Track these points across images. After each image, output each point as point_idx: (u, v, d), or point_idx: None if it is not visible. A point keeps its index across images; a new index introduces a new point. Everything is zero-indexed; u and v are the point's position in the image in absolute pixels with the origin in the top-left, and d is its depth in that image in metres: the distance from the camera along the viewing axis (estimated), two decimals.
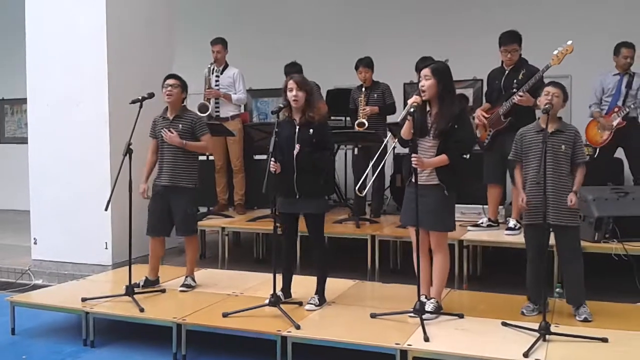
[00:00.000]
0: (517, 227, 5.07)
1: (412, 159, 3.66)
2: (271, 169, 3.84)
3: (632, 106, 5.62)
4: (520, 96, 4.85)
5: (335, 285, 4.49)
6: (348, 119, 7.03)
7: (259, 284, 4.65)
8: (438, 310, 3.82)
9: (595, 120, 5.82)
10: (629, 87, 5.71)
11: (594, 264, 4.11)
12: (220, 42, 6.55)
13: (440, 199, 3.76)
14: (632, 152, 5.80)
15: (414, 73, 4.58)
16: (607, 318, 3.74)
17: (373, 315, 3.81)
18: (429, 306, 3.79)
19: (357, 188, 5.67)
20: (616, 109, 5.68)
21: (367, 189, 5.73)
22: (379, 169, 5.73)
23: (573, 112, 6.11)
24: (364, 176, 5.68)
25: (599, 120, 5.77)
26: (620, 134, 5.67)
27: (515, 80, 5.07)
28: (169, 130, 4.42)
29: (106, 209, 4.26)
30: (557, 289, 4.44)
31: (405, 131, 3.75)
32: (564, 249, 3.87)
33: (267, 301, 3.92)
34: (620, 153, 5.95)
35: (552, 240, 3.92)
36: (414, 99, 3.71)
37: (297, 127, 3.98)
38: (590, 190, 4.55)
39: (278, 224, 4.09)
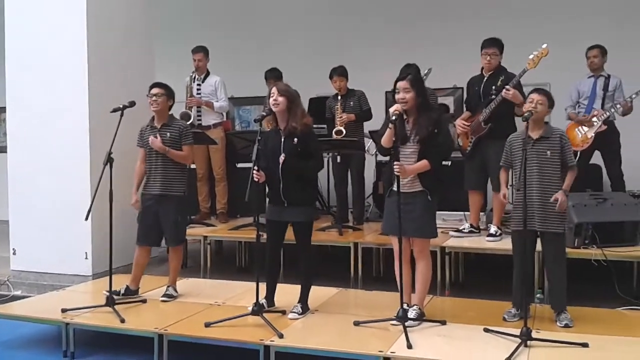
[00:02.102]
0: (498, 234, 5.12)
1: (395, 166, 3.68)
2: (254, 178, 3.83)
3: (612, 110, 5.68)
4: (508, 90, 4.87)
5: (318, 293, 4.49)
6: None
7: (242, 293, 4.63)
8: (421, 317, 3.83)
9: (573, 122, 5.88)
10: (605, 89, 5.79)
11: (574, 269, 4.16)
12: (201, 51, 6.53)
13: (424, 205, 3.79)
14: (610, 156, 5.85)
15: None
16: (587, 323, 3.78)
17: (356, 323, 3.81)
18: (411, 313, 3.81)
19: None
20: (596, 113, 5.72)
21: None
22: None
23: (552, 120, 6.17)
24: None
25: (577, 120, 5.81)
26: (599, 138, 5.73)
27: (494, 87, 5.13)
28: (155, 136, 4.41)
29: (86, 219, 4.21)
30: (538, 295, 4.49)
31: (386, 140, 3.77)
32: (549, 255, 3.90)
33: (249, 310, 3.90)
34: (597, 159, 6.02)
35: (538, 246, 3.97)
36: (395, 108, 3.73)
37: (283, 136, 3.99)
38: (569, 197, 4.59)
39: (261, 232, 4.08)
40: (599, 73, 5.87)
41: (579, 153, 5.78)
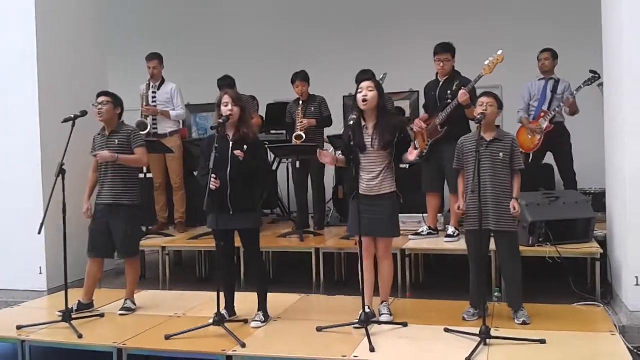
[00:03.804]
0: (455, 234, 5.20)
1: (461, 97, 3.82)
2: (211, 186, 3.79)
3: (557, 109, 5.86)
4: (464, 93, 4.96)
5: (280, 300, 4.48)
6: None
7: (203, 303, 4.58)
8: (390, 312, 3.95)
9: (523, 126, 6.05)
10: (554, 91, 5.98)
11: (529, 267, 4.25)
12: (156, 58, 6.44)
13: (390, 206, 3.88)
14: (561, 156, 6.05)
15: (353, 86, 4.65)
16: (544, 320, 3.87)
17: (319, 329, 3.81)
18: (383, 309, 3.95)
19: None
20: (542, 114, 5.92)
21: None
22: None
23: (505, 121, 6.33)
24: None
25: (527, 126, 5.99)
26: (550, 138, 5.91)
27: (449, 91, 5.22)
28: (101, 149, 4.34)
29: (39, 232, 4.09)
30: (496, 293, 4.57)
31: (340, 163, 3.91)
32: (504, 254, 3.99)
33: (211, 321, 3.85)
34: (550, 159, 6.19)
35: (492, 246, 4.05)
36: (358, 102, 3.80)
37: (231, 143, 3.95)
38: (523, 196, 4.68)
39: (221, 241, 4.04)
40: (550, 76, 6.06)
41: (531, 155, 5.95)
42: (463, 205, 3.94)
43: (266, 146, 5.85)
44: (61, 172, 4.11)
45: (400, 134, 3.82)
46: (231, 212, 3.94)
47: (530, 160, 5.96)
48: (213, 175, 3.79)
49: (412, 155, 3.80)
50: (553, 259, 4.59)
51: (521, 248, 4.08)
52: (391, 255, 4.06)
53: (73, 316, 4.21)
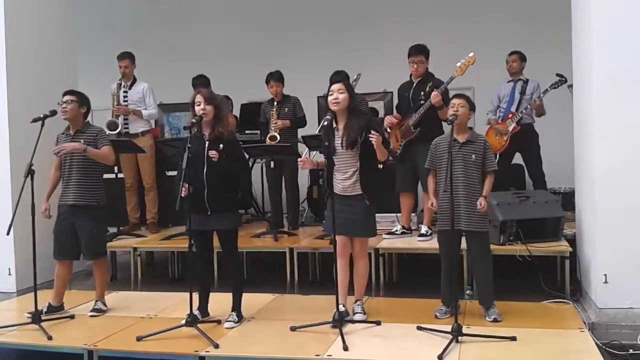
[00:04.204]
0: (429, 233, 5.25)
1: (371, 137, 3.72)
2: (182, 194, 3.75)
3: (525, 111, 5.96)
4: (436, 94, 4.99)
5: (254, 300, 4.46)
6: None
7: (175, 304, 4.54)
8: (364, 310, 3.98)
9: (492, 128, 6.13)
10: (522, 93, 6.07)
11: (500, 265, 4.30)
12: (127, 57, 6.35)
13: (365, 206, 3.89)
14: (530, 157, 6.14)
15: (327, 86, 4.65)
16: (515, 317, 3.92)
17: (293, 329, 3.81)
18: (357, 308, 3.98)
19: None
20: (510, 115, 6.01)
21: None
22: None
23: (476, 122, 6.39)
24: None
25: (495, 127, 6.08)
26: (518, 139, 5.99)
27: (422, 93, 5.27)
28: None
29: (8, 233, 4.00)
30: (468, 291, 4.62)
31: (322, 165, 3.93)
32: (475, 253, 4.05)
33: (183, 322, 3.82)
34: (520, 159, 6.28)
35: (463, 244, 4.10)
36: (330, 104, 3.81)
37: (207, 142, 3.93)
38: (494, 196, 4.76)
39: (193, 242, 4.01)
40: (518, 77, 6.15)
41: (498, 155, 6.04)
42: (436, 203, 3.98)
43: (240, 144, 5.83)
44: (30, 172, 4.04)
45: (366, 134, 3.81)
46: (209, 213, 3.91)
47: (497, 160, 6.04)
48: (185, 185, 3.75)
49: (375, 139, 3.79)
50: (523, 257, 4.66)
51: (492, 246, 4.13)
52: (367, 255, 4.11)
53: (43, 318, 4.14)
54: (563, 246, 4.74)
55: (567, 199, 5.62)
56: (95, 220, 4.37)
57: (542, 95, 5.93)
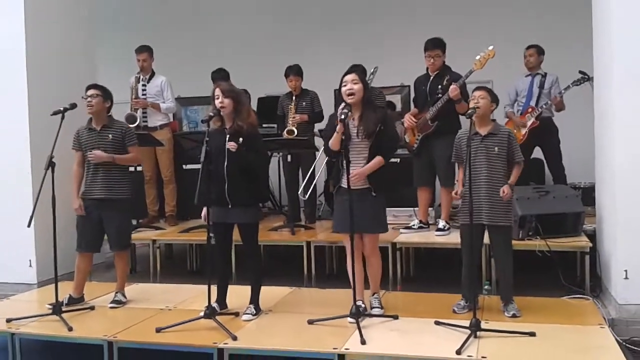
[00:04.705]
0: (446, 228, 5.23)
1: (352, 177, 3.71)
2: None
3: (544, 106, 5.89)
4: (455, 88, 4.96)
5: (272, 293, 4.48)
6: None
7: (194, 296, 4.57)
8: (381, 304, 3.96)
9: (510, 121, 6.07)
10: (541, 87, 6.00)
11: (519, 261, 4.27)
12: (145, 50, 6.40)
13: (374, 201, 3.84)
14: (550, 151, 6.08)
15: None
16: (534, 313, 3.89)
17: (310, 322, 3.81)
18: (374, 302, 3.96)
19: (300, 192, 5.73)
20: (530, 110, 5.95)
21: (308, 192, 5.79)
22: (308, 174, 5.79)
23: (495, 116, 6.34)
24: (305, 180, 5.72)
25: (513, 119, 6.02)
26: (537, 134, 5.94)
27: (440, 86, 5.23)
28: (96, 148, 4.31)
29: (29, 226, 4.05)
30: (486, 286, 4.60)
31: (335, 143, 3.79)
32: (497, 248, 4.00)
33: (202, 313, 3.85)
34: (539, 153, 6.22)
35: (486, 239, 4.06)
36: (343, 106, 3.76)
37: (227, 135, 3.94)
38: (513, 190, 4.73)
39: (211, 234, 4.04)
40: (536, 71, 6.09)
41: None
42: (460, 191, 3.93)
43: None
44: (50, 165, 4.07)
45: (381, 127, 3.80)
46: (230, 206, 3.93)
47: None
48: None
49: (355, 178, 3.75)
50: (543, 253, 4.62)
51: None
52: (378, 252, 4.01)
53: (63, 309, 4.19)
54: (583, 241, 4.70)
55: (587, 194, 5.57)
56: (123, 213, 4.42)
57: (563, 91, 5.85)
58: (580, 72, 5.73)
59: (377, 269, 4.02)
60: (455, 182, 4.20)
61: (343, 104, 3.80)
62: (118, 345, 3.71)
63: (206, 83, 5.98)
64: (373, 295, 4.03)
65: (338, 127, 3.73)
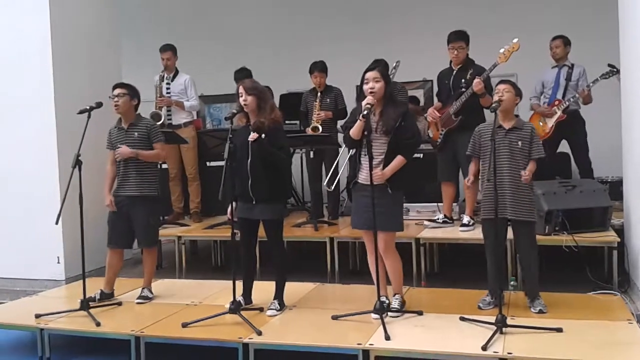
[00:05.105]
0: (471, 223, 5.19)
1: (375, 178, 3.68)
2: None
3: (572, 99, 5.79)
4: (478, 82, 4.92)
5: (295, 288, 4.49)
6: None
7: (218, 291, 4.61)
8: (403, 306, 3.89)
9: (536, 112, 5.98)
10: (568, 79, 5.89)
11: (545, 256, 4.23)
12: (169, 49, 6.46)
13: (389, 199, 3.79)
14: (576, 144, 5.99)
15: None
16: (561, 309, 3.85)
17: (334, 317, 3.82)
18: (395, 302, 3.88)
19: (326, 183, 5.74)
20: (556, 102, 5.85)
21: (334, 184, 5.78)
22: (333, 166, 5.79)
23: (520, 110, 6.27)
24: (330, 171, 5.72)
25: (539, 110, 5.92)
26: (564, 127, 5.84)
27: (463, 80, 5.19)
28: (120, 146, 4.36)
29: (57, 223, 4.13)
30: (512, 282, 4.55)
31: (356, 131, 3.77)
32: (521, 243, 3.96)
33: (227, 309, 3.88)
34: (566, 147, 6.13)
35: (509, 234, 4.01)
36: (367, 101, 3.74)
37: (251, 132, 3.96)
38: (539, 185, 4.68)
39: (236, 230, 4.07)
40: (563, 63, 5.98)
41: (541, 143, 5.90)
42: (470, 180, 3.96)
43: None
44: (77, 163, 4.14)
45: (402, 122, 3.76)
46: (254, 202, 3.96)
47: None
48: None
49: (379, 178, 3.72)
50: (569, 248, 4.56)
51: (537, 237, 4.04)
52: (394, 251, 3.89)
53: (94, 304, 4.27)
54: (610, 236, 4.63)
55: (615, 188, 5.47)
56: (152, 210, 4.48)
57: (591, 85, 5.74)
58: (609, 65, 5.62)
59: (395, 269, 3.91)
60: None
61: (367, 99, 3.77)
62: (145, 340, 3.76)
63: (228, 81, 6.02)
64: (394, 295, 3.94)
65: (359, 120, 3.71)
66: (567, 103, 5.79)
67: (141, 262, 4.72)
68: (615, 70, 5.56)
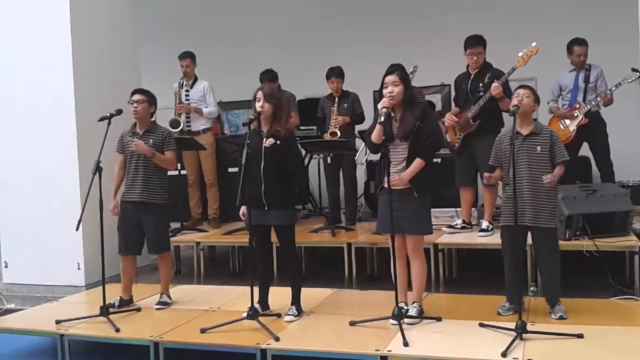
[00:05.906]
0: (490, 229, 5.14)
1: (393, 181, 3.68)
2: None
3: (594, 102, 5.71)
4: (497, 86, 4.88)
5: (313, 294, 4.49)
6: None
7: (236, 297, 4.62)
8: (421, 315, 3.85)
9: (555, 116, 5.91)
10: (586, 81, 5.82)
11: (566, 261, 4.17)
12: (188, 56, 6.51)
13: (417, 202, 3.78)
14: (597, 147, 5.89)
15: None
16: (581, 314, 3.80)
17: (352, 323, 3.81)
18: (412, 310, 3.83)
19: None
20: (577, 106, 5.76)
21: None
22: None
23: (539, 114, 6.21)
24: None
25: (559, 114, 5.85)
26: (585, 129, 5.76)
27: (481, 84, 5.16)
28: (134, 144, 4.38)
29: (77, 229, 4.17)
30: (532, 288, 4.51)
31: (376, 136, 3.76)
32: (542, 250, 3.91)
33: (244, 314, 3.89)
34: (586, 151, 6.05)
35: (529, 241, 3.97)
36: (383, 103, 3.73)
37: (265, 139, 3.97)
38: (560, 189, 4.62)
39: (254, 236, 4.07)
40: (581, 66, 5.90)
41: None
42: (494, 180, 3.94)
43: (297, 141, 5.88)
44: (98, 169, 4.17)
45: (420, 124, 3.74)
46: (266, 208, 3.97)
47: None
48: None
49: (397, 182, 3.71)
50: (590, 253, 4.50)
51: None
52: (422, 255, 3.91)
53: (115, 310, 4.30)
54: (632, 241, 4.57)
55: (636, 192, 5.41)
56: (161, 217, 4.50)
57: (613, 88, 5.64)
58: (633, 69, 5.54)
59: (420, 274, 3.89)
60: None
61: (381, 102, 3.76)
62: (164, 346, 3.78)
63: (247, 87, 6.02)
64: (413, 303, 3.89)
65: (377, 125, 3.71)
66: (588, 106, 5.69)
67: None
68: (639, 73, 5.48)
